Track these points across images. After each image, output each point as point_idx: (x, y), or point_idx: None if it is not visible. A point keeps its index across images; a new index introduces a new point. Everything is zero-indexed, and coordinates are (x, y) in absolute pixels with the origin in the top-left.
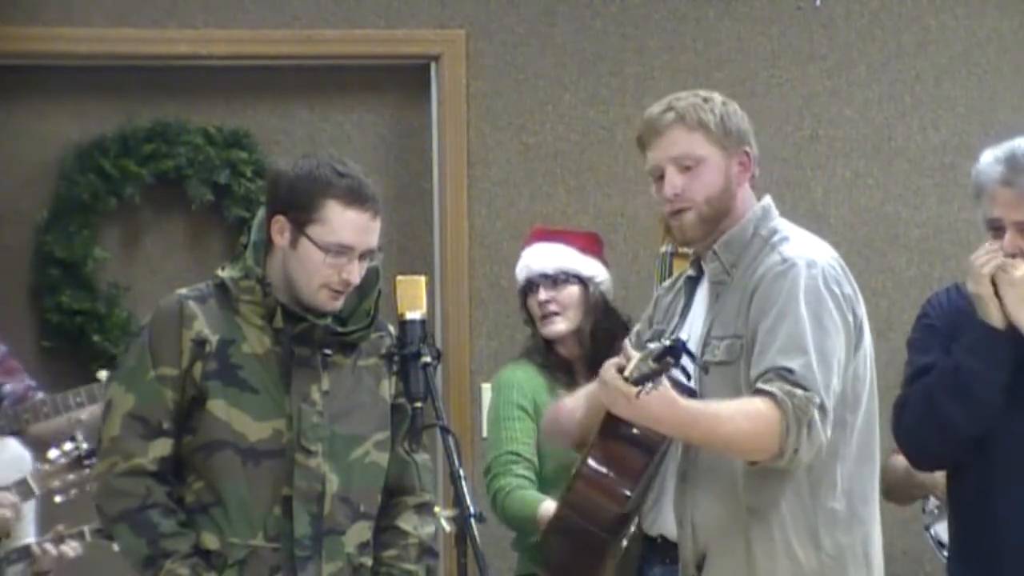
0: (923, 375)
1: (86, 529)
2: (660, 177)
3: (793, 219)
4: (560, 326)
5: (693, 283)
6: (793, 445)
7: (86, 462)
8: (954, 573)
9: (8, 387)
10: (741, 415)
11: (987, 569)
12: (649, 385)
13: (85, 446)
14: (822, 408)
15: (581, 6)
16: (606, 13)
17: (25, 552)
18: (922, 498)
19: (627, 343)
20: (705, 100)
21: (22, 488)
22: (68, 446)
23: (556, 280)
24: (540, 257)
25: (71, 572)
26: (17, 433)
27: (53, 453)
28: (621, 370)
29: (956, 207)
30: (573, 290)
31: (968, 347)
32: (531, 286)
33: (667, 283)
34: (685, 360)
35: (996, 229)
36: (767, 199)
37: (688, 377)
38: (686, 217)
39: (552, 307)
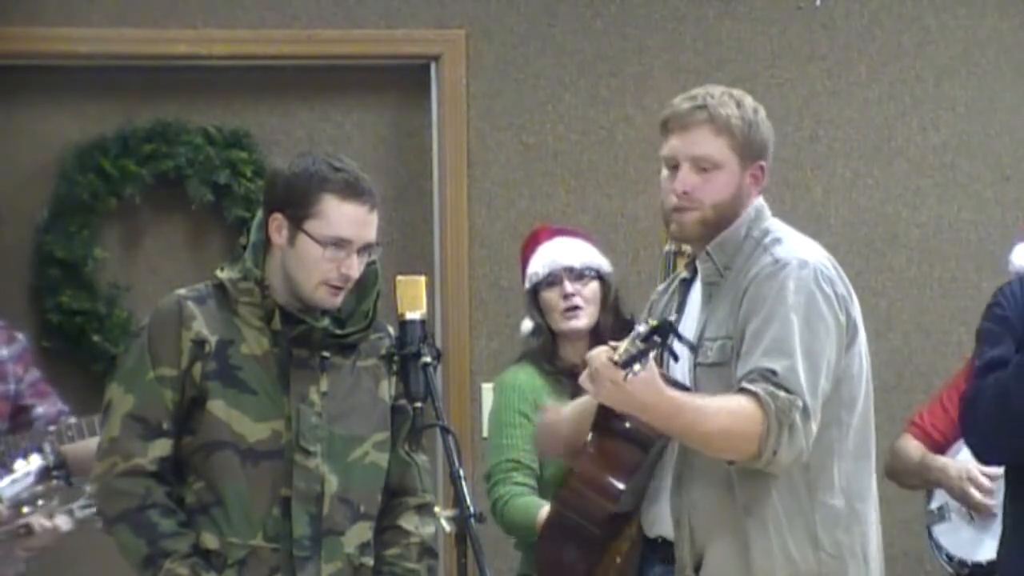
0: (995, 368)
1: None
2: (675, 167)
3: (793, 219)
4: (583, 320)
5: (687, 285)
6: (772, 447)
7: (54, 474)
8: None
9: (40, 409)
10: (725, 412)
11: None
12: (637, 367)
13: (52, 458)
14: (804, 411)
15: (581, 6)
16: (606, 13)
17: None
18: (927, 493)
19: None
20: (739, 105)
21: None
22: (34, 457)
23: (581, 274)
24: (564, 251)
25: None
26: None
27: (19, 464)
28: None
29: (956, 207)
30: (594, 286)
31: None
32: (554, 279)
33: (662, 286)
34: (678, 347)
35: None
36: (759, 200)
37: (675, 359)
38: (689, 216)
39: (577, 300)
